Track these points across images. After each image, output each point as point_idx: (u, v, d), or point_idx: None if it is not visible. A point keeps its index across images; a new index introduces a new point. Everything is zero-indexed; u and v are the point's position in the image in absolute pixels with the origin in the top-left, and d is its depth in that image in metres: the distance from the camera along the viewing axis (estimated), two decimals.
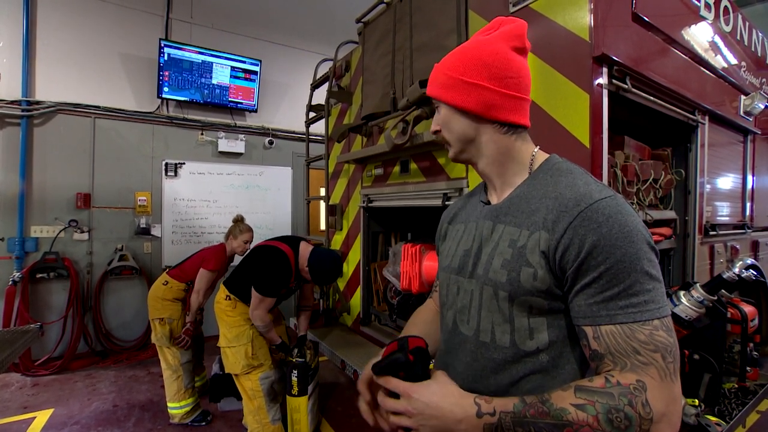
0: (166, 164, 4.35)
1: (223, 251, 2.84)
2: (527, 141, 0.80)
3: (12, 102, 3.64)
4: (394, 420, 0.68)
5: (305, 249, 2.34)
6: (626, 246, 0.60)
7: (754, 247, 2.61)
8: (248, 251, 2.49)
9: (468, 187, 1.85)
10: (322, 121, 3.22)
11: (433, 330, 0.94)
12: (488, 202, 0.83)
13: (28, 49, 3.71)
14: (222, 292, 2.45)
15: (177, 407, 2.72)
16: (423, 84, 1.89)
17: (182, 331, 2.70)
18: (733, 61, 2.16)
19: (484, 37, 0.77)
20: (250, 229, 2.94)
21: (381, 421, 0.76)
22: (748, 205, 2.52)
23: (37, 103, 3.74)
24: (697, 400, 1.25)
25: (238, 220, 2.97)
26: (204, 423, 2.75)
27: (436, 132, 0.84)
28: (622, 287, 0.60)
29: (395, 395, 0.68)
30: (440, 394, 0.66)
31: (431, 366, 0.79)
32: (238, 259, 2.89)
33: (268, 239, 2.48)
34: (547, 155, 0.79)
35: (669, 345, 0.59)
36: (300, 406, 2.32)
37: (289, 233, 5.04)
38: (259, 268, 2.28)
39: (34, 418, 2.82)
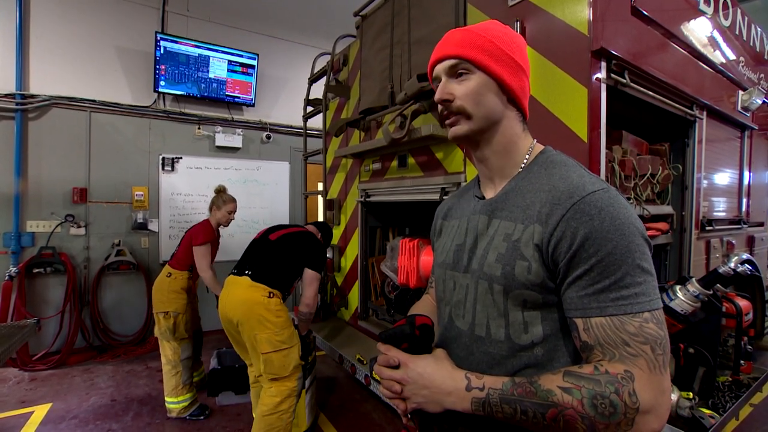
0: (163, 159, 4.32)
1: (208, 224, 2.86)
2: (528, 133, 0.80)
3: (6, 95, 3.60)
4: (387, 385, 0.72)
5: (311, 227, 2.57)
6: (618, 238, 0.60)
7: (750, 242, 2.63)
8: (275, 242, 2.32)
9: (466, 181, 1.85)
10: (320, 116, 3.20)
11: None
12: (482, 197, 0.82)
13: (22, 41, 3.67)
14: (257, 290, 2.13)
15: (174, 402, 2.72)
16: (421, 78, 1.88)
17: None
18: (732, 56, 2.16)
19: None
20: (233, 200, 2.95)
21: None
22: (744, 200, 2.53)
23: (32, 96, 3.70)
24: (691, 393, 1.27)
25: (221, 191, 2.96)
26: (202, 417, 2.76)
27: (446, 100, 0.74)
28: (613, 279, 0.60)
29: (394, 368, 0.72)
30: (435, 366, 0.70)
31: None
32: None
33: (278, 227, 2.47)
34: (541, 147, 0.79)
35: (659, 337, 0.59)
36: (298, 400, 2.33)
37: None
38: (310, 249, 2.33)
39: (32, 412, 2.82)
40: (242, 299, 2.11)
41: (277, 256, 2.28)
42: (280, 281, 2.22)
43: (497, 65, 0.72)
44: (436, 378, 0.68)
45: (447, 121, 0.77)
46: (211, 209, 2.92)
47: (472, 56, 0.72)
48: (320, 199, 3.24)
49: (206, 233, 2.78)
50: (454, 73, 0.74)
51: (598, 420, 0.57)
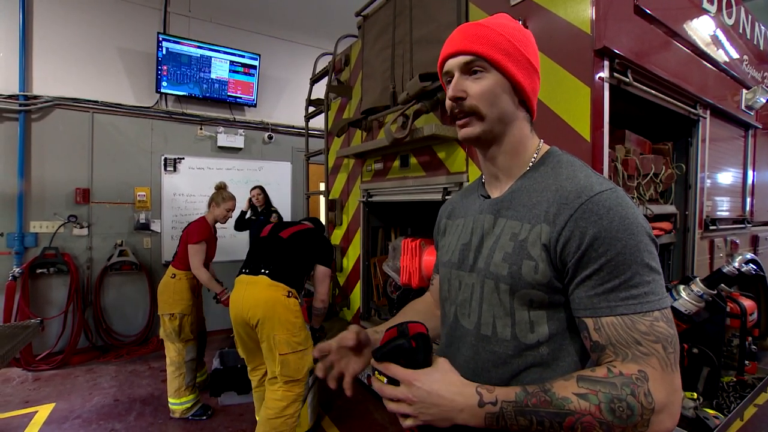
0: (165, 159, 4.33)
1: (204, 221, 2.85)
2: (535, 133, 0.80)
3: (9, 96, 3.61)
4: (393, 407, 0.67)
5: (308, 222, 2.57)
6: (627, 238, 0.61)
7: (754, 241, 2.62)
8: (288, 241, 2.29)
9: (468, 181, 1.85)
10: (322, 116, 3.20)
11: (424, 321, 0.91)
12: (488, 196, 0.82)
13: (25, 43, 3.68)
14: (278, 289, 2.10)
15: (177, 403, 2.73)
16: (423, 77, 1.87)
17: (222, 301, 2.83)
18: (735, 54, 2.15)
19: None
20: (233, 197, 2.94)
21: (332, 383, 0.81)
22: (749, 200, 2.51)
23: (35, 97, 3.72)
24: (695, 394, 1.26)
25: (221, 188, 2.95)
26: (205, 417, 2.76)
27: (459, 98, 0.71)
28: (623, 279, 0.60)
29: (395, 382, 0.66)
30: (442, 382, 0.65)
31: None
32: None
33: (285, 224, 2.45)
34: (547, 147, 0.79)
35: (669, 336, 0.60)
36: None
37: None
38: (320, 246, 2.34)
39: (36, 412, 2.83)
40: (264, 298, 2.05)
41: (292, 255, 2.24)
42: (296, 280, 2.20)
43: (513, 66, 0.71)
44: (446, 395, 0.63)
45: (458, 121, 0.75)
46: (209, 205, 2.92)
47: (490, 54, 0.70)
48: (322, 199, 3.24)
49: (202, 231, 2.77)
50: (468, 70, 0.72)
51: (615, 424, 0.56)
